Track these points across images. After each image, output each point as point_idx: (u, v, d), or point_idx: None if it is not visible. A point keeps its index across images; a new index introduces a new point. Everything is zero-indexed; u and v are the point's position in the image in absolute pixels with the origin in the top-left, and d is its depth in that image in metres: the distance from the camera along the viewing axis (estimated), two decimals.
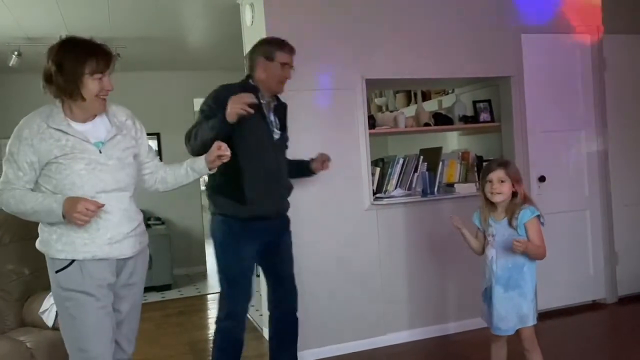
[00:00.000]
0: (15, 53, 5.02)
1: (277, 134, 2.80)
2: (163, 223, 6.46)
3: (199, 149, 2.51)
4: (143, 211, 2.28)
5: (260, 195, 2.67)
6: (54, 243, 2.01)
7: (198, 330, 4.49)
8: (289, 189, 2.91)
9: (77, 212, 1.89)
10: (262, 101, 2.75)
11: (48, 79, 2.00)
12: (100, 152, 2.04)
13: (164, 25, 4.88)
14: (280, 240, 2.87)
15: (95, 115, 2.09)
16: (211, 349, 2.83)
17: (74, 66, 1.96)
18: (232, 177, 2.63)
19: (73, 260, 2.00)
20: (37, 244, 2.08)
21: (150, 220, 6.37)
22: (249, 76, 2.83)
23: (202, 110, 2.71)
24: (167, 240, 5.99)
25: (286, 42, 2.82)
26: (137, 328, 2.25)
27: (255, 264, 2.87)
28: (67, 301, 2.01)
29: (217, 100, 2.64)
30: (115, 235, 2.04)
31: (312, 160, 3.08)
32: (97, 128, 2.08)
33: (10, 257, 2.94)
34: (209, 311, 5.16)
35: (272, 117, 2.82)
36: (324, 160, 3.07)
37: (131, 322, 2.21)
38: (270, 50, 2.76)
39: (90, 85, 1.99)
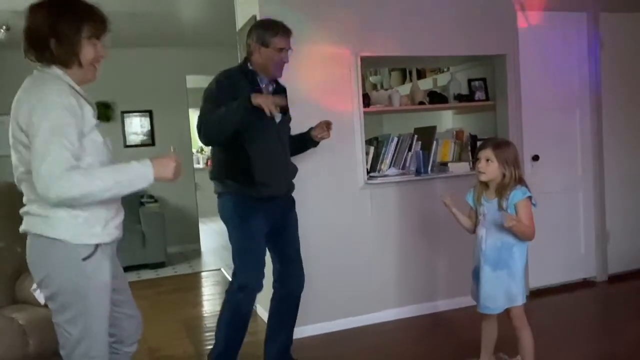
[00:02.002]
0: (4, 27, 4.93)
1: (278, 117, 2.77)
2: (156, 201, 6.43)
3: (217, 135, 2.62)
4: None
5: (268, 178, 2.71)
6: (79, 227, 1.75)
7: (192, 307, 4.51)
8: (293, 171, 2.94)
9: (175, 170, 1.79)
10: (260, 85, 2.76)
11: (38, 43, 1.75)
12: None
13: (155, 0, 4.78)
14: (287, 220, 2.90)
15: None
16: (217, 320, 2.78)
17: (71, 28, 1.74)
18: (239, 163, 2.68)
19: (97, 245, 1.79)
20: (43, 230, 1.74)
21: (143, 198, 6.35)
22: (246, 59, 2.80)
23: (208, 100, 2.68)
24: (161, 218, 5.98)
25: (280, 24, 2.76)
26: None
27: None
28: (91, 291, 1.78)
29: (222, 89, 2.67)
30: (122, 215, 1.93)
31: (312, 129, 2.99)
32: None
33: (2, 234, 2.93)
34: (203, 288, 5.18)
35: None
36: (324, 126, 2.95)
37: (127, 288, 2.08)
38: (265, 37, 2.70)
39: (87, 50, 1.78)
